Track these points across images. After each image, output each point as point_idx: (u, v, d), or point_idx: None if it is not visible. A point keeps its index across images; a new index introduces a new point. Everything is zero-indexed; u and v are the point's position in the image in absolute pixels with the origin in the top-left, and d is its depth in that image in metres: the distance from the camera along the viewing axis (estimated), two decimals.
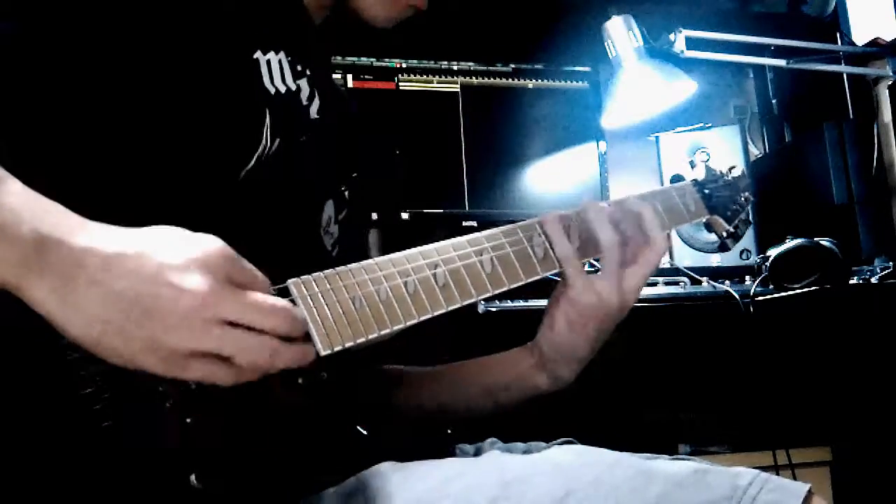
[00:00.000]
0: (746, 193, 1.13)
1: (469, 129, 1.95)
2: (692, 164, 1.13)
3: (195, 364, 0.60)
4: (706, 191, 1.08)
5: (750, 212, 1.14)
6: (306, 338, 0.67)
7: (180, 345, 0.59)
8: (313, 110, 0.89)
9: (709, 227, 1.11)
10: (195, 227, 0.64)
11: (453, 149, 1.93)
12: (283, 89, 0.84)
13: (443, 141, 1.94)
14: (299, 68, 0.87)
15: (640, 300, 1.57)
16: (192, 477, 0.63)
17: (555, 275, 0.90)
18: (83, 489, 0.61)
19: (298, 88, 0.87)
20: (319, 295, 0.72)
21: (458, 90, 1.97)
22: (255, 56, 0.82)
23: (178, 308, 0.58)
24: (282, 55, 0.85)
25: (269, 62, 0.83)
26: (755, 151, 2.27)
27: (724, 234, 1.10)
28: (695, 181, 1.09)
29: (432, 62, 1.96)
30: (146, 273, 0.58)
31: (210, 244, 0.61)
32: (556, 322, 0.90)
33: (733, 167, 1.15)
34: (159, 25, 0.74)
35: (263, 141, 0.79)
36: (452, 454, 0.94)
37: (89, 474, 0.61)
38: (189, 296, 0.58)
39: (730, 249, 1.14)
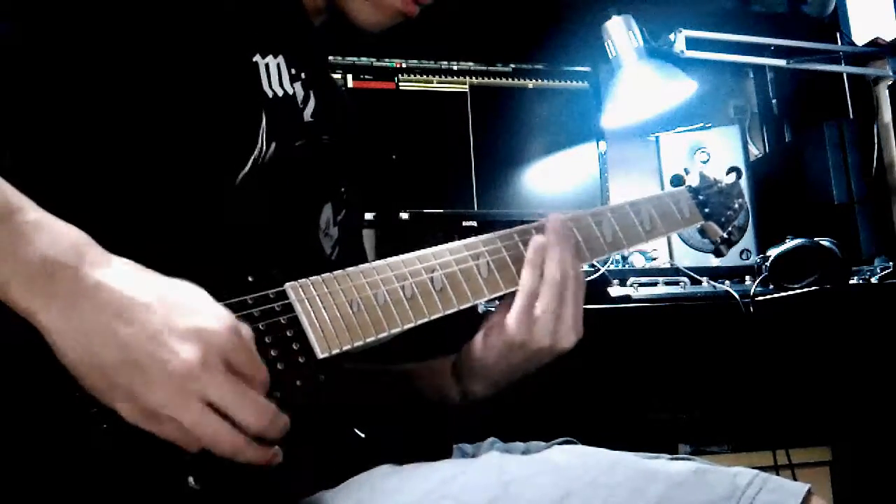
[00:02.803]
0: (740, 200, 1.14)
1: (471, 129, 1.96)
2: (686, 171, 1.14)
3: (166, 425, 0.60)
4: (700, 197, 1.09)
5: (744, 216, 1.15)
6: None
7: (158, 407, 0.58)
8: (307, 113, 0.89)
9: (703, 232, 1.11)
10: (192, 231, 0.64)
11: (457, 149, 1.94)
12: (280, 93, 0.84)
13: (444, 141, 1.94)
14: (294, 71, 0.87)
15: (640, 300, 1.59)
16: (190, 478, 0.63)
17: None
18: (81, 490, 0.61)
19: (295, 92, 0.87)
20: (317, 298, 0.72)
21: (467, 90, 1.97)
22: (254, 59, 0.82)
23: (165, 372, 0.58)
24: (280, 59, 0.85)
25: (267, 66, 0.83)
26: (755, 151, 2.27)
27: (719, 239, 1.11)
28: (689, 187, 1.10)
29: (432, 62, 1.96)
30: (148, 328, 0.58)
31: (220, 320, 0.61)
32: (485, 343, 0.88)
33: (734, 169, 1.15)
34: (159, 28, 0.74)
35: (259, 144, 0.79)
36: (451, 454, 0.94)
37: (87, 476, 0.61)
38: (179, 364, 0.58)
39: (724, 255, 1.15)
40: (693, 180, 1.11)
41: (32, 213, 0.59)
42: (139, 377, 0.58)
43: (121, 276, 0.59)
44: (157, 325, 0.58)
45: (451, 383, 0.93)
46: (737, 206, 1.12)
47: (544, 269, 0.86)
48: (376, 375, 1.02)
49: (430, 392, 0.96)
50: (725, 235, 1.10)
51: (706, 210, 1.09)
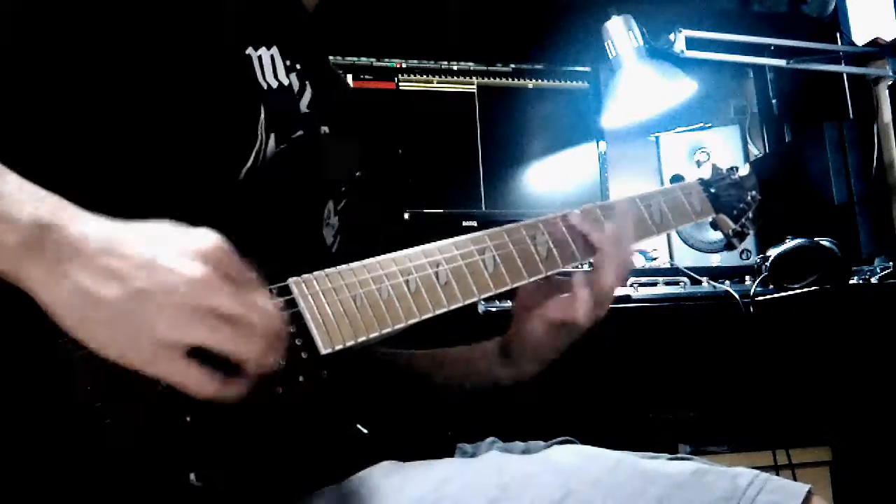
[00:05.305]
0: (753, 192, 1.13)
1: (471, 130, 1.96)
2: (699, 164, 1.14)
3: (179, 362, 0.59)
4: (712, 190, 1.08)
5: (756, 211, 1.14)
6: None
7: (169, 333, 0.58)
8: (303, 104, 0.89)
9: (715, 225, 1.11)
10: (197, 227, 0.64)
11: (465, 149, 1.94)
12: (275, 84, 0.84)
13: (450, 141, 1.94)
14: (289, 62, 0.87)
15: (641, 300, 1.59)
16: (192, 475, 0.63)
17: (560, 274, 0.90)
18: (84, 487, 0.61)
19: (290, 83, 0.87)
20: (320, 293, 0.72)
21: (475, 91, 1.97)
22: (247, 52, 0.82)
23: (171, 291, 0.58)
24: (274, 50, 0.85)
25: (261, 58, 0.83)
26: (755, 151, 2.27)
27: (731, 232, 1.10)
28: (701, 180, 1.09)
29: (432, 62, 1.96)
30: (141, 259, 0.58)
31: (207, 237, 0.61)
32: (538, 327, 0.92)
33: (750, 162, 1.15)
34: (153, 23, 0.74)
35: (259, 138, 0.79)
36: (452, 454, 0.94)
37: (89, 472, 0.61)
38: (184, 280, 0.58)
39: (736, 248, 1.14)
40: (705, 173, 1.10)
41: (13, 180, 0.59)
42: (147, 306, 0.57)
43: (101, 225, 0.60)
44: (149, 254, 0.59)
45: (499, 366, 0.96)
46: (749, 198, 1.12)
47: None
48: (397, 360, 1.03)
49: (470, 376, 0.98)
50: (738, 228, 1.10)
51: (718, 203, 1.09)
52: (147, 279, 0.58)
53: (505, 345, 0.96)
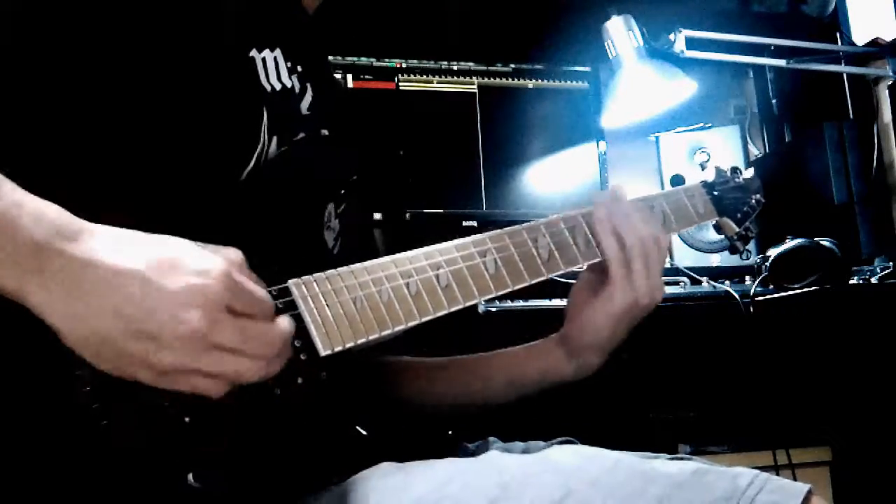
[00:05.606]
0: (757, 195, 1.13)
1: (471, 130, 1.96)
2: (702, 167, 1.14)
3: (186, 378, 0.61)
4: (716, 192, 1.08)
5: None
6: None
7: (174, 364, 0.60)
8: (304, 106, 0.90)
9: (718, 228, 1.11)
10: (199, 229, 0.64)
11: (465, 149, 1.94)
12: (278, 87, 0.84)
13: (445, 141, 1.94)
14: (291, 64, 0.87)
15: None
16: (190, 476, 0.63)
17: (562, 276, 0.90)
18: (81, 488, 0.61)
19: (292, 85, 0.87)
20: (320, 295, 0.72)
21: (476, 91, 1.97)
22: (250, 54, 0.82)
23: (173, 336, 0.59)
24: (277, 52, 0.85)
25: (264, 60, 0.83)
26: (755, 151, 2.27)
27: (734, 236, 1.10)
28: (704, 183, 1.09)
29: (432, 62, 1.96)
30: (146, 299, 0.59)
31: (212, 271, 0.61)
32: (592, 315, 0.93)
33: (751, 166, 1.14)
34: (156, 26, 0.74)
35: (262, 140, 0.79)
36: (452, 454, 0.94)
37: (87, 473, 0.61)
38: (185, 327, 0.59)
39: (740, 252, 1.14)
40: (708, 175, 1.10)
41: (13, 194, 0.58)
42: (149, 345, 0.59)
43: (106, 248, 0.59)
44: (154, 294, 0.59)
45: (563, 363, 0.97)
46: (754, 201, 1.12)
47: (623, 238, 0.91)
48: (396, 364, 1.03)
49: (533, 378, 0.99)
50: (742, 231, 1.10)
51: (721, 206, 1.09)
52: (151, 324, 0.58)
53: (567, 340, 0.96)
